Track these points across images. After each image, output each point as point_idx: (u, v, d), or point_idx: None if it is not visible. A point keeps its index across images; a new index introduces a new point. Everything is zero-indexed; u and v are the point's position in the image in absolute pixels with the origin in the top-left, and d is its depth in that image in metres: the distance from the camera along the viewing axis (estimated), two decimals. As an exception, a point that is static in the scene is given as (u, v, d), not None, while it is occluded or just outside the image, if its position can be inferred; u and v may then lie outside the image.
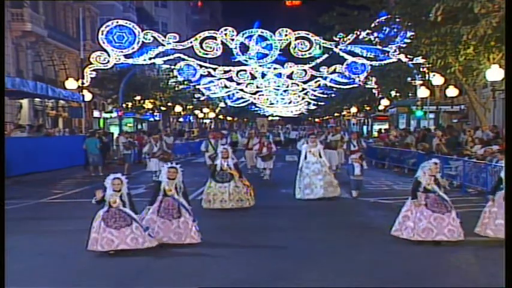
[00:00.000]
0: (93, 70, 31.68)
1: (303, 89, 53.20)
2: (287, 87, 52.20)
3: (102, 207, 8.76)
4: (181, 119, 60.44)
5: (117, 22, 31.41)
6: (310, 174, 14.72)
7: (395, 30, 22.26)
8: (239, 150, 25.58)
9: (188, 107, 53.48)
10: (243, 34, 32.55)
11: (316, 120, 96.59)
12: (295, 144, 42.55)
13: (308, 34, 32.29)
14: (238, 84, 47.57)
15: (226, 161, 13.27)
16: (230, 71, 41.32)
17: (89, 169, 22.43)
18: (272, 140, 23.99)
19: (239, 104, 66.70)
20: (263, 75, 45.78)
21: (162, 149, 19.63)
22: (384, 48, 28.79)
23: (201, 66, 39.24)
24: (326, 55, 35.45)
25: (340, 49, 32.19)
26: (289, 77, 46.49)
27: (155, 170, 18.71)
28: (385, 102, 41.77)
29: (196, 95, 51.36)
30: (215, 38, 31.51)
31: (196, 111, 59.83)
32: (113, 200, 8.67)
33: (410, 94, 36.62)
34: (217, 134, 22.33)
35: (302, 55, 32.88)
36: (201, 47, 31.40)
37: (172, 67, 40.48)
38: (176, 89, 44.07)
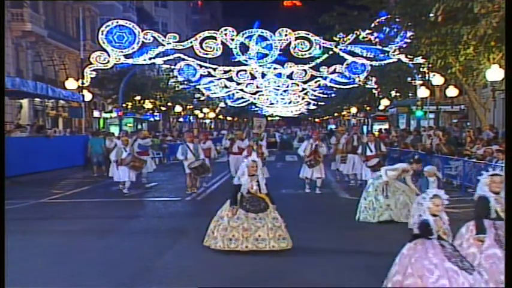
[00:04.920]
0: (93, 70, 31.66)
1: (303, 89, 53.23)
2: (287, 87, 52.23)
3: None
4: (181, 119, 60.44)
5: (117, 22, 31.38)
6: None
7: (395, 30, 22.23)
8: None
9: (188, 107, 53.47)
10: (243, 34, 32.53)
11: (316, 120, 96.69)
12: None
13: (308, 34, 32.28)
14: (238, 84, 47.59)
15: (253, 179, 8.83)
16: (230, 71, 41.30)
17: (92, 169, 22.42)
18: (265, 142, 19.97)
19: (239, 104, 66.69)
20: (263, 75, 45.77)
21: (133, 155, 16.43)
22: (384, 48, 28.77)
23: (201, 66, 39.24)
24: (326, 55, 35.41)
25: (340, 49, 32.17)
26: (289, 77, 46.52)
27: (123, 181, 16.19)
28: (385, 102, 41.75)
29: (196, 95, 51.37)
30: (215, 38, 31.49)
31: (196, 111, 59.84)
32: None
33: (410, 94, 36.61)
34: (194, 136, 17.96)
35: (302, 55, 32.86)
36: (201, 47, 31.38)
37: (172, 67, 40.50)
38: (176, 89, 44.07)
